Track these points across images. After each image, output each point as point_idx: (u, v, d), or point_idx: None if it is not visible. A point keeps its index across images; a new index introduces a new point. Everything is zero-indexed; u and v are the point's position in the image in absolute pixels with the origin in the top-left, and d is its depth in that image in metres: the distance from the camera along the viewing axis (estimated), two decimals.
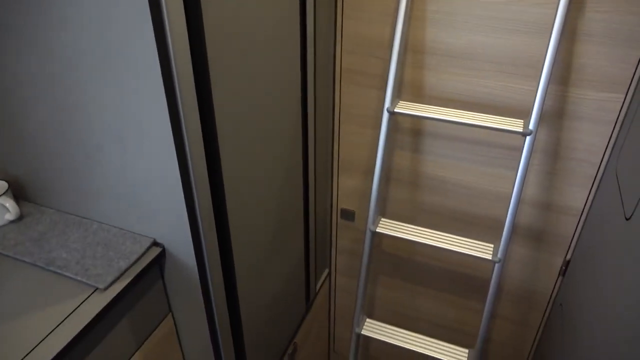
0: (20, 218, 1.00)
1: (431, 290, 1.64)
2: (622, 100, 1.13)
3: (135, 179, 0.89)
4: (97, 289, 0.84)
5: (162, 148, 0.82)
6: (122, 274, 0.86)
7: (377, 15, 1.25)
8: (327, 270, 1.75)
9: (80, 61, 0.79)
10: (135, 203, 0.93)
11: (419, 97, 1.31)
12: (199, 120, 0.82)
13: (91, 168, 0.92)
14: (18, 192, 1.05)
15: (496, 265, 1.26)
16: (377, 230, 1.35)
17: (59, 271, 0.86)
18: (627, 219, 0.93)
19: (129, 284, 0.86)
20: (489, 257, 1.25)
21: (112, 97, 0.81)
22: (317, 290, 1.67)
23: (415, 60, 1.27)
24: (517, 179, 1.16)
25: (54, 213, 1.01)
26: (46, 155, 0.96)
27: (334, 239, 1.69)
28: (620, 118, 1.15)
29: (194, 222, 0.90)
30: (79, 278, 0.85)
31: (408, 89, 1.31)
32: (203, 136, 0.84)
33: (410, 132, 1.38)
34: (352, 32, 1.30)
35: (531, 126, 1.10)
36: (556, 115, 1.20)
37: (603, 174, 1.22)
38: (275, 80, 1.03)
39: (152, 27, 0.70)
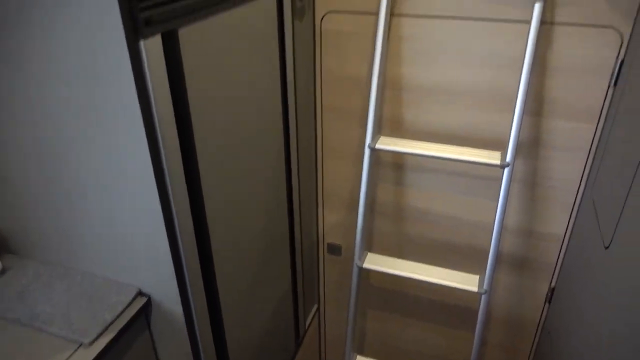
0: (2, 271, 0.98)
1: (420, 321, 1.64)
2: (594, 129, 1.16)
3: (119, 227, 0.89)
4: (82, 344, 0.83)
5: (145, 196, 0.82)
6: (107, 327, 0.85)
7: (355, 53, 1.28)
8: (315, 306, 1.74)
9: (63, 113, 0.80)
10: (119, 252, 0.92)
11: (400, 131, 1.34)
12: (182, 165, 0.83)
13: (75, 218, 0.92)
14: (0, 245, 1.04)
15: (482, 296, 1.27)
16: (364, 266, 1.36)
17: (43, 327, 0.85)
18: (606, 248, 0.95)
19: (114, 337, 0.85)
20: (475, 289, 1.26)
21: (95, 147, 0.81)
22: (306, 327, 1.65)
23: (395, 96, 1.30)
24: (498, 210, 1.18)
25: (38, 265, 1.00)
26: (29, 207, 0.95)
27: (321, 274, 1.69)
28: (594, 146, 1.18)
29: (180, 269, 0.90)
30: (63, 333, 0.84)
31: (389, 124, 1.34)
32: (186, 179, 0.84)
33: (393, 165, 1.40)
34: (331, 70, 1.33)
35: (508, 158, 1.13)
36: (532, 145, 1.23)
37: (581, 201, 1.24)
38: (257, 120, 1.05)
39: (134, 85, 0.72)
